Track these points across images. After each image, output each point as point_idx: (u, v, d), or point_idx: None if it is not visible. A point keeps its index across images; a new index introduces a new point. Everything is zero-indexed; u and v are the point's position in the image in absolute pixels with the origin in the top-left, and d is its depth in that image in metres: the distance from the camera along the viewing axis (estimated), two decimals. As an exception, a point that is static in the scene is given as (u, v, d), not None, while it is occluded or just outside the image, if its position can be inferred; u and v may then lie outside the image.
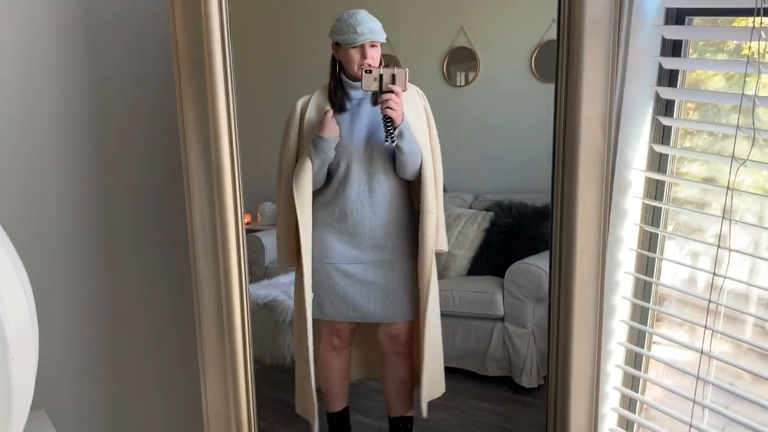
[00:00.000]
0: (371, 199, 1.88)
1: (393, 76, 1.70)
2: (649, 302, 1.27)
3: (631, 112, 1.20)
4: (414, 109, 1.89)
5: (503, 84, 3.18)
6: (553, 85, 3.48)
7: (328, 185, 1.90)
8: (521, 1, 3.21)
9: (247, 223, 3.86)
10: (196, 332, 1.09)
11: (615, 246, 1.24)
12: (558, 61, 1.15)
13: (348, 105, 1.85)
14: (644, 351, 1.35)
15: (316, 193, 1.90)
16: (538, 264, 2.52)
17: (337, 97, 1.83)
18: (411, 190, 1.96)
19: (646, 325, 1.34)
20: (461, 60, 3.35)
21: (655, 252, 1.27)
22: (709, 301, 1.20)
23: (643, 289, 1.30)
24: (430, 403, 2.03)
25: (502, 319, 2.52)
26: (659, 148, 1.22)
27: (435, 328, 1.98)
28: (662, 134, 1.19)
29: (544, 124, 3.08)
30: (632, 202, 1.25)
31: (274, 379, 2.42)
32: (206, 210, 1.06)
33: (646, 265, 1.27)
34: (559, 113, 1.14)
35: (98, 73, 1.24)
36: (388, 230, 1.92)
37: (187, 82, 1.06)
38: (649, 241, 1.27)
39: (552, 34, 3.10)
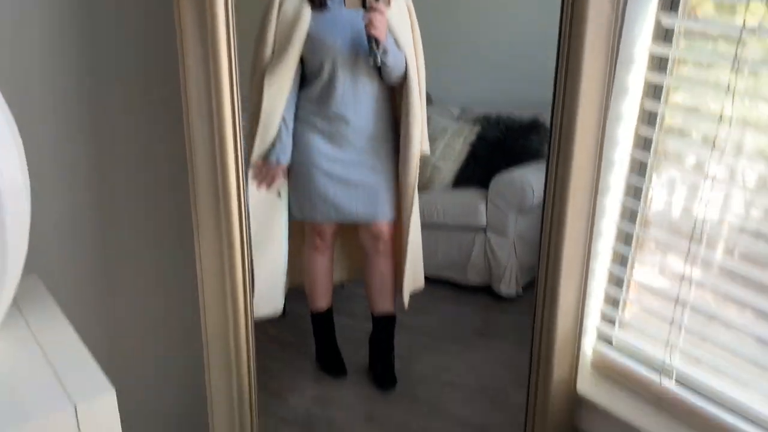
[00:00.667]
0: (356, 100, 1.84)
1: None
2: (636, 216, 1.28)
3: None
4: (398, 11, 1.82)
5: (495, 2, 3.11)
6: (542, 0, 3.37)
7: (311, 85, 1.85)
8: None
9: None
10: (190, 193, 1.07)
11: (615, 123, 1.24)
12: None
13: (329, 3, 1.77)
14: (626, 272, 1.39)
15: (301, 92, 1.86)
16: (523, 175, 2.54)
17: None
18: (394, 94, 1.93)
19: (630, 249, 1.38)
20: (454, -30, 3.25)
21: (655, 128, 1.27)
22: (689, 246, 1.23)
23: (639, 168, 1.31)
24: (413, 308, 2.07)
25: (484, 230, 2.56)
26: (666, 20, 1.20)
27: (416, 226, 1.99)
28: (670, 5, 1.16)
29: (534, 35, 3.06)
30: (635, 78, 1.24)
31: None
32: (200, 65, 1.02)
33: (644, 143, 1.28)
34: None
35: None
36: (372, 132, 1.90)
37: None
38: (648, 119, 1.26)
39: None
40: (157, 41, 1.23)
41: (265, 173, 1.85)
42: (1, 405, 0.83)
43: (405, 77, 1.82)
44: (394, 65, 1.78)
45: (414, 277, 2.02)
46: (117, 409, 0.88)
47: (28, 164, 0.94)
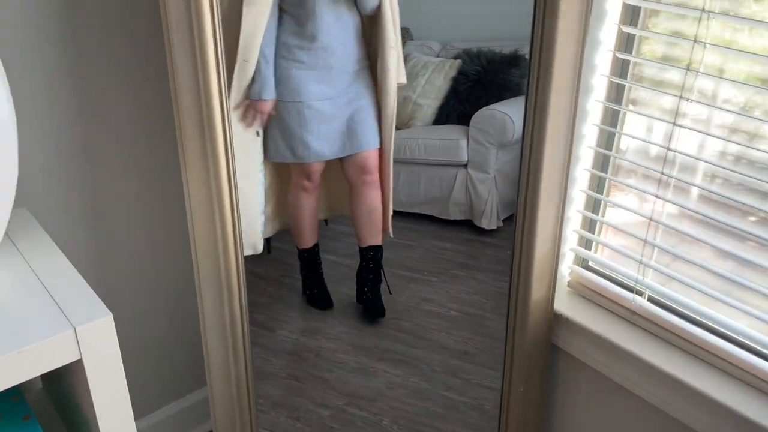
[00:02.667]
0: (341, 31, 1.83)
1: None
2: (616, 128, 1.31)
3: None
4: None
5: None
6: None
7: (292, 15, 1.81)
8: None
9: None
10: (176, 126, 1.07)
11: (592, 50, 1.25)
12: None
13: None
14: (598, 217, 1.43)
15: (280, 25, 1.82)
16: (504, 110, 2.55)
17: None
18: (370, 26, 1.92)
19: (602, 193, 1.42)
20: None
21: (626, 79, 1.30)
22: (661, 173, 1.27)
23: (616, 93, 1.35)
24: (396, 244, 2.13)
25: (465, 166, 2.59)
26: None
27: (390, 159, 2.04)
28: None
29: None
30: (608, 30, 1.26)
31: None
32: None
33: (616, 92, 1.32)
34: None
35: None
36: (355, 61, 1.89)
37: None
38: (621, 68, 1.29)
39: None
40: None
41: (252, 111, 1.82)
42: (2, 329, 0.85)
43: (379, 8, 1.82)
44: None
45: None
46: (115, 332, 0.91)
47: (16, 99, 0.93)
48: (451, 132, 2.60)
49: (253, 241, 1.97)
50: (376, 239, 2.13)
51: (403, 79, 1.98)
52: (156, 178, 1.43)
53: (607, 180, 1.43)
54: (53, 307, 0.90)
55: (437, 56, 2.92)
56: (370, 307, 2.11)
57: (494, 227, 2.58)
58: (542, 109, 1.21)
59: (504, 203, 2.67)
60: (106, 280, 1.47)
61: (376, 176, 2.04)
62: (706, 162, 1.23)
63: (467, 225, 2.63)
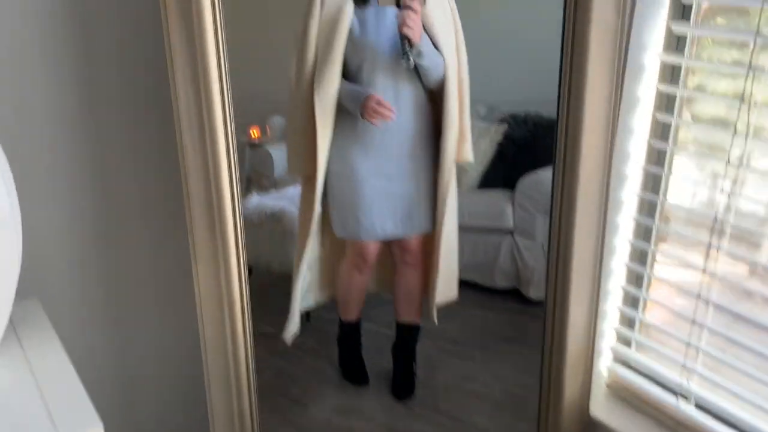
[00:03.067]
0: (397, 105, 1.71)
1: None
2: (658, 194, 1.20)
3: None
4: (441, 11, 1.71)
5: (520, -6, 3.03)
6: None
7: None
8: None
9: (257, 137, 3.86)
10: (186, 217, 1.08)
11: (625, 138, 1.17)
12: None
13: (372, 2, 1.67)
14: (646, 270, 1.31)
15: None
16: (550, 176, 2.47)
17: None
18: (435, 99, 1.79)
19: (649, 244, 1.30)
20: (480, -34, 3.18)
21: (663, 167, 1.20)
22: (715, 219, 1.13)
23: (653, 184, 1.24)
24: (438, 312, 2.03)
25: (511, 232, 2.51)
26: (678, 28, 1.12)
27: (452, 235, 1.88)
28: (682, 11, 1.08)
29: (558, 34, 2.96)
30: (646, 90, 1.17)
31: (283, 286, 2.46)
32: (192, 96, 1.02)
33: (658, 157, 1.20)
34: None
35: None
36: (413, 139, 1.79)
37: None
38: (662, 132, 1.18)
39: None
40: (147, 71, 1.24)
41: (377, 107, 1.67)
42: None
43: (444, 82, 1.72)
44: (430, 67, 1.68)
45: (447, 288, 1.95)
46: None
47: (27, 187, 0.95)
48: (496, 197, 2.54)
49: (291, 326, 1.90)
50: (412, 318, 2.06)
51: (469, 157, 1.86)
52: (167, 272, 1.42)
53: (646, 274, 1.32)
54: (44, 414, 0.89)
55: (483, 119, 2.88)
56: (400, 384, 2.03)
57: (542, 297, 2.45)
58: (570, 194, 1.14)
59: (553, 272, 2.56)
60: (116, 373, 1.45)
61: (418, 258, 1.95)
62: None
63: (513, 294, 2.52)
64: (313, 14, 1.66)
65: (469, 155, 1.84)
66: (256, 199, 2.47)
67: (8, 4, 1.12)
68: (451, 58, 1.72)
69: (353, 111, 1.70)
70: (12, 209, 0.91)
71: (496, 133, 2.84)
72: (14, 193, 0.93)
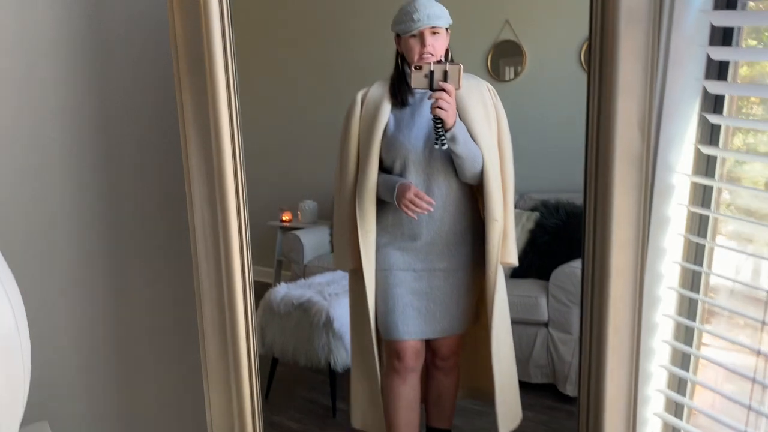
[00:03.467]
0: (434, 199, 1.68)
1: (445, 73, 1.52)
2: (694, 320, 1.13)
3: (674, 109, 1.06)
4: (481, 106, 1.70)
5: (551, 78, 3.05)
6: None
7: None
8: (568, -9, 3.07)
9: (288, 221, 3.91)
10: (199, 344, 1.06)
11: (656, 258, 1.12)
12: (590, 51, 1.04)
13: (410, 100, 1.69)
14: (692, 350, 1.22)
15: None
16: (585, 267, 2.40)
17: (399, 91, 1.67)
18: (477, 195, 1.75)
19: (691, 344, 1.21)
20: (507, 54, 3.23)
21: (702, 265, 1.14)
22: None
23: (689, 306, 1.17)
24: (469, 409, 1.92)
25: (546, 325, 2.42)
26: (707, 150, 1.10)
27: (504, 347, 1.77)
28: (710, 134, 1.05)
29: (594, 119, 2.95)
30: (676, 210, 1.12)
31: (310, 379, 2.39)
32: (208, 217, 1.03)
33: (692, 278, 1.14)
34: (591, 110, 1.03)
35: (99, 74, 1.23)
36: (449, 237, 1.73)
37: (186, 81, 1.01)
38: (696, 252, 1.13)
39: (604, 24, 2.97)
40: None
41: (414, 198, 1.65)
42: None
43: (482, 176, 1.67)
44: (466, 157, 1.63)
45: (509, 413, 1.81)
46: None
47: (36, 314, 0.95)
48: (529, 288, 2.47)
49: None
50: (443, 423, 1.94)
51: (512, 259, 1.80)
52: (178, 396, 1.39)
53: (689, 381, 1.23)
54: None
55: (515, 207, 2.85)
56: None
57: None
58: (601, 324, 1.09)
59: (591, 367, 2.44)
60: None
61: (451, 361, 1.86)
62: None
63: (549, 390, 2.40)
64: (355, 114, 1.69)
65: (512, 257, 1.78)
66: (283, 289, 2.45)
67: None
68: (490, 151, 1.68)
69: (389, 200, 1.69)
70: (19, 330, 0.90)
71: (528, 221, 2.79)
72: (22, 313, 0.92)
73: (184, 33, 0.97)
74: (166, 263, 1.31)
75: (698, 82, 1.04)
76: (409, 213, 1.65)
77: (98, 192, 1.24)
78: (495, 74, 3.26)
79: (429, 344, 1.83)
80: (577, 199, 2.69)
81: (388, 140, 1.68)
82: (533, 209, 2.71)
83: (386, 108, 1.67)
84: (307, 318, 2.31)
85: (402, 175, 1.68)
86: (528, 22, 3.08)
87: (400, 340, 1.78)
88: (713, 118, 1.03)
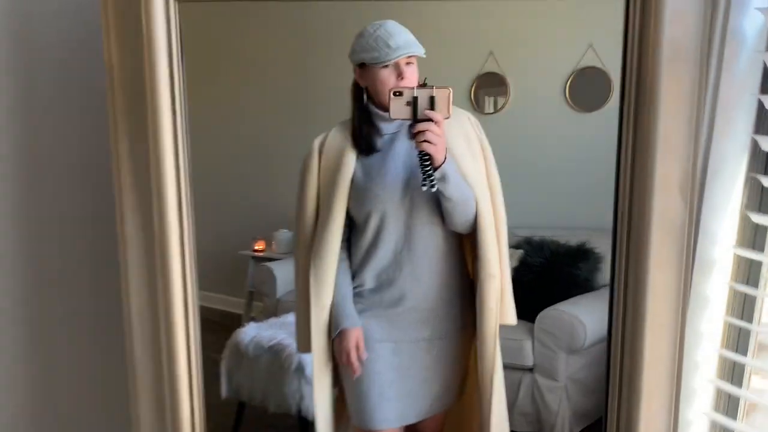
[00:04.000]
0: (412, 260, 1.40)
1: (431, 99, 1.23)
2: (735, 418, 1.01)
3: (719, 168, 0.93)
4: (464, 141, 1.43)
5: (535, 113, 2.98)
6: (589, 115, 3.26)
7: (355, 245, 1.43)
8: (554, 24, 3.03)
9: (261, 251, 3.72)
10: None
11: (694, 345, 0.99)
12: (624, 96, 0.91)
13: (379, 143, 1.39)
14: None
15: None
16: (572, 311, 2.30)
17: (363, 136, 1.37)
18: (466, 246, 1.49)
19: None
20: (490, 85, 3.17)
21: (746, 354, 1.01)
22: None
23: (728, 403, 1.04)
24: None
25: (531, 370, 2.32)
26: (758, 218, 0.97)
27: (503, 424, 1.50)
28: (760, 198, 0.93)
29: (576, 155, 2.90)
30: (718, 288, 0.98)
31: (280, 425, 2.25)
32: (145, 294, 0.87)
33: (733, 370, 1.01)
34: (624, 170, 0.90)
35: (25, 112, 1.06)
36: (436, 300, 1.46)
37: (122, 120, 0.85)
38: (738, 339, 1.00)
39: (588, 61, 2.94)
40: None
41: (346, 347, 1.41)
42: None
43: (475, 223, 1.40)
44: (457, 199, 1.35)
45: None
46: None
47: None
48: (513, 330, 2.34)
49: None
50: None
51: (510, 320, 1.54)
52: None
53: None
54: None
55: (496, 244, 2.74)
56: None
57: (566, 445, 2.25)
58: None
59: (578, 416, 2.34)
60: None
61: None
62: None
63: (534, 440, 2.31)
64: (311, 167, 1.43)
65: (510, 317, 1.51)
66: (252, 330, 2.29)
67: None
68: (483, 192, 1.41)
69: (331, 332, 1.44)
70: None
71: (511, 259, 2.68)
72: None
73: (122, 64, 0.81)
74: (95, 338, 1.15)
75: (747, 137, 0.91)
76: (350, 366, 1.42)
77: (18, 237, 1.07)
78: (477, 106, 3.19)
79: (407, 427, 1.55)
80: (560, 236, 2.64)
81: (357, 193, 1.40)
82: (516, 247, 2.63)
83: (350, 157, 1.38)
84: (278, 362, 2.16)
85: (379, 231, 1.40)
86: (513, 54, 3.02)
87: (375, 430, 1.48)
88: (766, 180, 0.90)
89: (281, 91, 3.66)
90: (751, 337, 0.99)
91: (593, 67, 2.91)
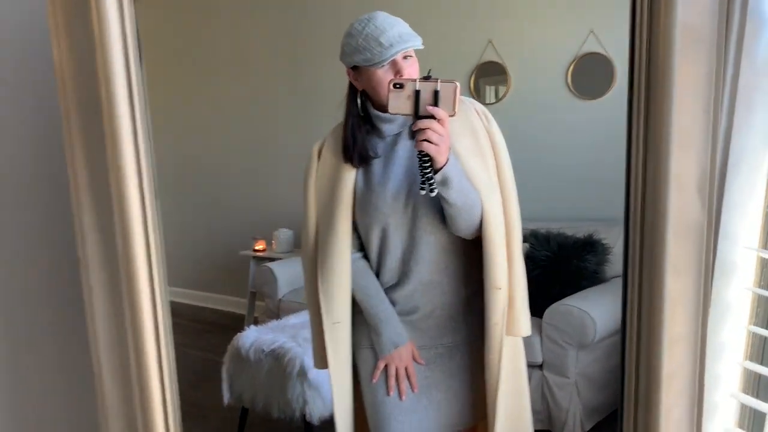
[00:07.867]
0: (420, 268, 1.30)
1: (435, 94, 1.11)
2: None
3: (739, 164, 0.85)
4: (471, 136, 1.29)
5: (537, 101, 2.90)
6: (593, 102, 3.15)
7: (367, 249, 1.33)
8: (554, 12, 2.94)
9: (262, 250, 3.66)
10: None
11: (716, 356, 0.91)
12: (632, 90, 0.83)
13: (379, 148, 1.29)
14: None
15: None
16: (581, 306, 2.23)
17: (357, 144, 1.27)
18: (475, 253, 1.32)
19: None
20: (490, 74, 3.08)
21: None
22: None
23: (753, 417, 0.96)
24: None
25: (540, 367, 2.25)
26: None
27: None
28: None
29: (581, 144, 2.81)
30: (740, 295, 0.89)
31: (284, 431, 2.20)
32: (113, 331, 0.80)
33: (758, 385, 0.93)
34: (635, 167, 0.82)
35: None
36: (453, 306, 1.34)
37: (76, 129, 0.77)
38: (762, 350, 0.92)
39: (590, 47, 2.84)
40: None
41: (406, 362, 1.31)
42: None
43: (481, 229, 1.24)
44: (461, 204, 1.22)
45: None
46: None
47: None
48: (520, 326, 2.30)
49: None
50: None
51: (521, 331, 1.34)
52: None
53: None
54: None
55: (502, 238, 2.66)
56: None
57: (578, 442, 2.19)
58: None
59: (588, 411, 2.27)
60: None
61: None
62: None
63: (545, 438, 2.25)
64: (311, 174, 1.34)
65: (521, 329, 1.33)
66: (253, 334, 2.22)
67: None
68: (489, 195, 1.26)
69: (374, 344, 1.33)
70: None
71: (517, 254, 2.59)
72: None
73: (73, 67, 0.73)
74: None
75: (770, 130, 0.82)
76: (391, 384, 1.30)
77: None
78: (477, 96, 3.10)
79: None
80: (567, 228, 2.56)
81: (358, 203, 1.30)
82: (522, 240, 2.55)
83: (349, 166, 1.29)
84: (280, 366, 2.10)
85: (383, 242, 1.31)
86: (512, 42, 2.94)
87: None
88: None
89: (281, 91, 3.59)
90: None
91: (595, 53, 2.82)
